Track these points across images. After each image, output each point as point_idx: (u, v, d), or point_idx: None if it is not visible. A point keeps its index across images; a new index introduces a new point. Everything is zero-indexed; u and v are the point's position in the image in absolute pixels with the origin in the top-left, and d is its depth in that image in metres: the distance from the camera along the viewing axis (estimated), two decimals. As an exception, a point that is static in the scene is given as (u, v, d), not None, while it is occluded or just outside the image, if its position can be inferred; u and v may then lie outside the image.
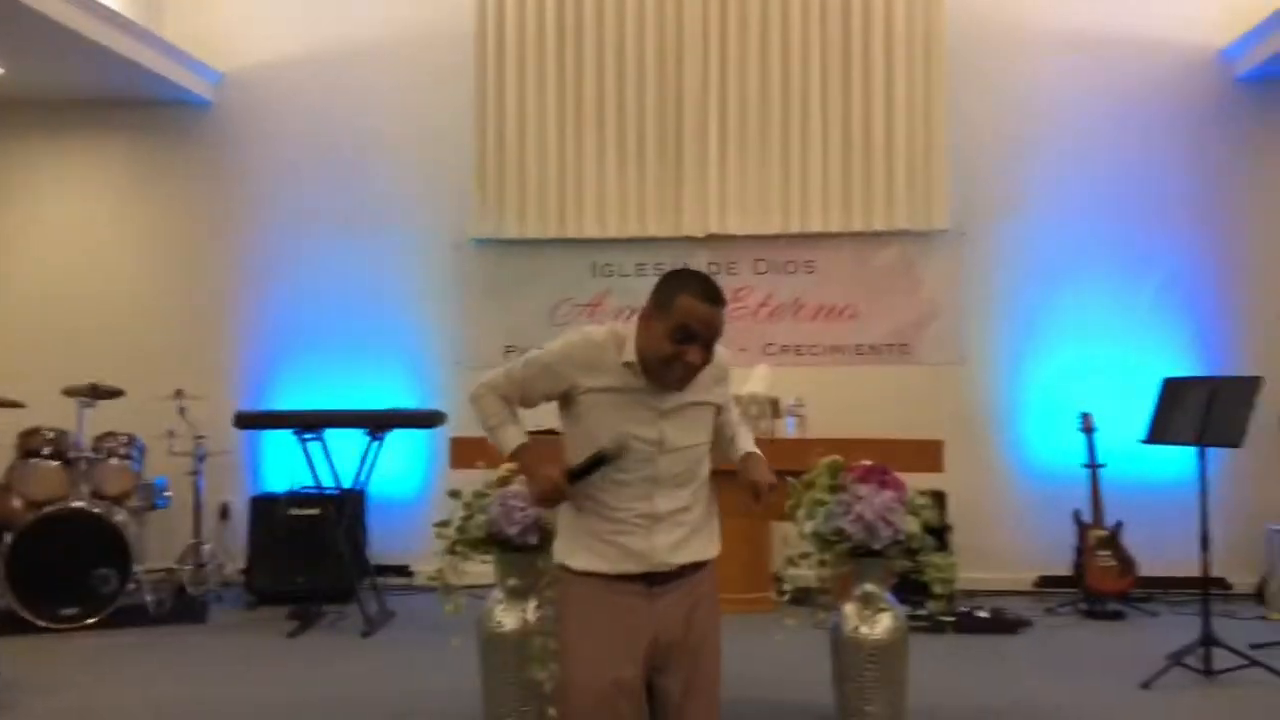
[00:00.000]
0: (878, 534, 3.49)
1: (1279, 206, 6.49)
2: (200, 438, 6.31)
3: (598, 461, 2.45)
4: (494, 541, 3.67)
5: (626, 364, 2.50)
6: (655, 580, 2.54)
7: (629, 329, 2.55)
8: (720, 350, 2.62)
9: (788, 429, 5.25)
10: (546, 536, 3.58)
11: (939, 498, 5.91)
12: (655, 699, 2.60)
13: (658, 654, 2.55)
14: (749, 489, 2.63)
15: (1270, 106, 6.51)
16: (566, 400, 2.58)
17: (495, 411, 2.66)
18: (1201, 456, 4.69)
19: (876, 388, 6.56)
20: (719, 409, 2.70)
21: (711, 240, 6.69)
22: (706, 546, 2.64)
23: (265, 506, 6.32)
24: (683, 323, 2.42)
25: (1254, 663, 4.55)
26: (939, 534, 4.07)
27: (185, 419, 6.27)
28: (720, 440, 2.76)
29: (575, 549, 2.58)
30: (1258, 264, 6.49)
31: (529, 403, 2.66)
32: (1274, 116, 6.51)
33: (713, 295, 2.46)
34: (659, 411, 2.52)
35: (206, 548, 6.36)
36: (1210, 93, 6.56)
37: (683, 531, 2.56)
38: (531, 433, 2.70)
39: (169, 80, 6.65)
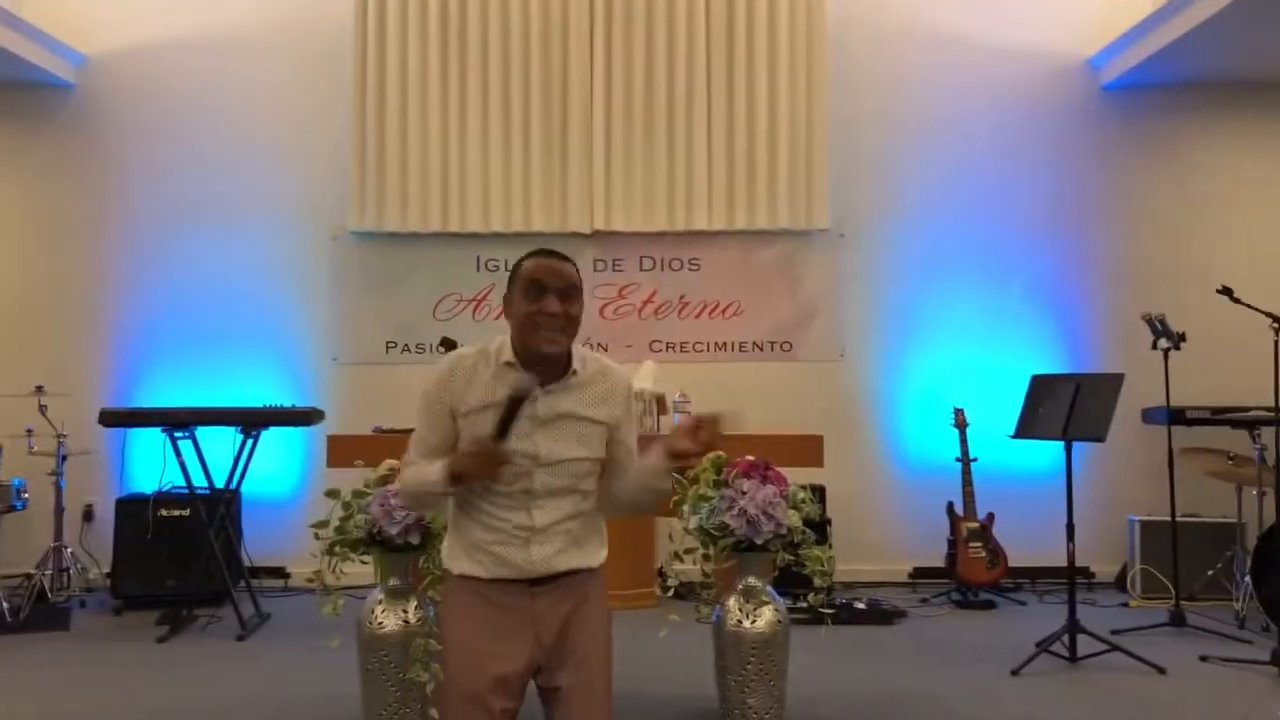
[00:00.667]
0: (760, 528, 3.53)
1: (1141, 211, 6.79)
2: (62, 436, 6.03)
3: (512, 409, 2.40)
4: (374, 541, 3.60)
5: (507, 363, 2.49)
6: (535, 581, 2.53)
7: (499, 339, 2.55)
8: (615, 369, 2.62)
9: (674, 424, 5.28)
10: (428, 536, 3.53)
11: (819, 492, 6.02)
12: (545, 702, 2.59)
13: (540, 654, 2.54)
14: (685, 438, 2.45)
15: (1133, 114, 6.80)
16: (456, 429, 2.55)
17: (414, 475, 2.53)
18: (1067, 450, 4.87)
19: (760, 384, 6.65)
20: (611, 430, 2.59)
21: (597, 236, 6.68)
22: (588, 556, 2.61)
23: (132, 508, 6.06)
24: (529, 279, 2.48)
25: (1115, 648, 4.74)
26: (819, 527, 4.13)
27: (46, 417, 5.98)
28: (622, 473, 2.63)
29: (457, 555, 2.58)
30: (1121, 266, 6.77)
31: (443, 449, 2.53)
32: (1137, 124, 6.81)
33: (550, 253, 2.54)
34: (536, 420, 2.48)
35: (68, 551, 6.10)
36: (1078, 100, 6.83)
37: (562, 541, 2.54)
38: (409, 430, 2.64)
39: (28, 62, 6.32)
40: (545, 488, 2.51)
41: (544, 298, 2.45)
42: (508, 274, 2.58)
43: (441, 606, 2.66)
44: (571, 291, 2.49)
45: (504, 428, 2.40)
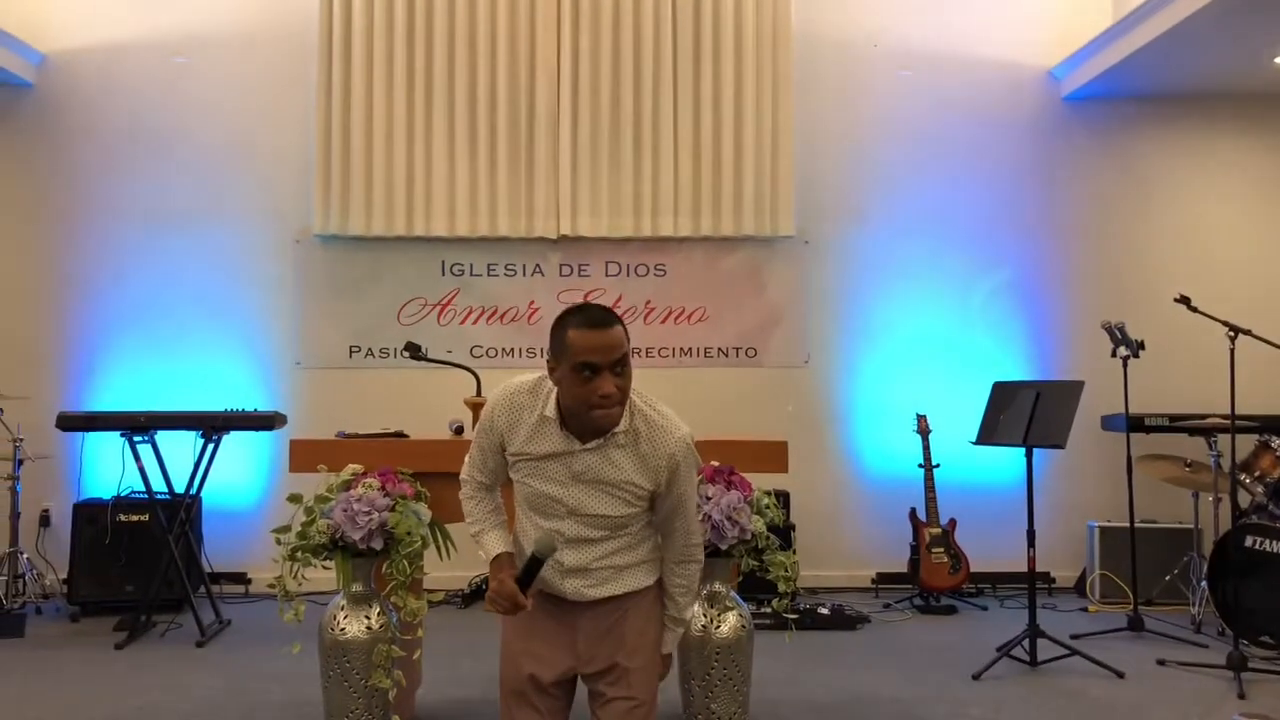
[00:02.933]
0: (725, 534, 3.53)
1: (1101, 220, 6.88)
2: (18, 440, 5.93)
3: (534, 565, 2.41)
4: (336, 547, 3.56)
5: (545, 417, 2.44)
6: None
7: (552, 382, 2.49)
8: (662, 426, 2.50)
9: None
10: (391, 541, 3.50)
11: (783, 497, 6.05)
12: (590, 708, 2.63)
13: (580, 661, 2.57)
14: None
15: (1093, 124, 6.89)
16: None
17: (477, 514, 2.66)
18: (1028, 457, 4.92)
19: (725, 390, 6.66)
20: (655, 494, 2.52)
21: (564, 242, 6.67)
22: (632, 582, 2.59)
23: (90, 513, 5.97)
24: (578, 360, 2.33)
25: (1074, 652, 4.80)
26: (783, 533, 4.15)
27: (2, 421, 5.89)
28: (669, 534, 2.64)
29: (518, 557, 2.60)
30: (1081, 274, 6.85)
31: (499, 474, 2.62)
32: (1097, 134, 6.90)
33: (597, 319, 2.37)
34: (572, 473, 2.46)
35: (24, 557, 5.99)
36: (1040, 110, 6.91)
37: (598, 578, 2.55)
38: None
39: (-14, 59, 6.25)
40: (577, 535, 2.50)
41: (597, 378, 2.33)
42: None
43: None
44: (623, 361, 2.38)
45: (525, 582, 2.42)
